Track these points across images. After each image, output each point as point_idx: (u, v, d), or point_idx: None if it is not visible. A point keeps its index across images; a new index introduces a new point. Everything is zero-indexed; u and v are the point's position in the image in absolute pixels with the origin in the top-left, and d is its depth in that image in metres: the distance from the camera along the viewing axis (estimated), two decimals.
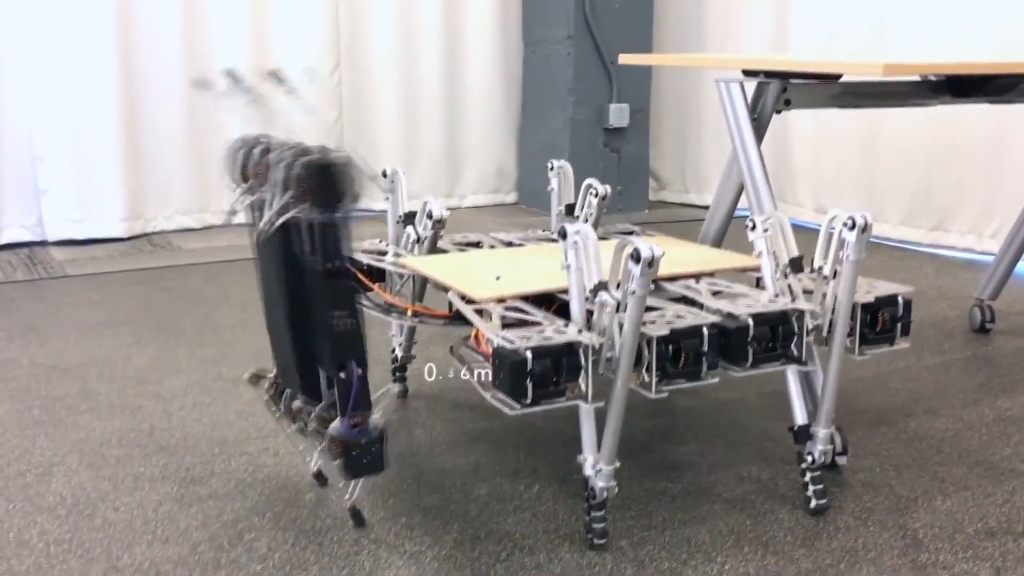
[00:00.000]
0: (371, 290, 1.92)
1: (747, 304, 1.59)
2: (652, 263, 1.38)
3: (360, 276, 1.93)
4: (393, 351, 2.19)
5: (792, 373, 1.68)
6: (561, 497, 1.71)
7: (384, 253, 2.00)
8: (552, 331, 1.46)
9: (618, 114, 4.47)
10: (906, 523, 1.61)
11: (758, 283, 1.82)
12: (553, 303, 1.65)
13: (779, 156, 4.31)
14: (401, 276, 1.91)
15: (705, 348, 1.50)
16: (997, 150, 3.50)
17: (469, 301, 1.63)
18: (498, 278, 1.72)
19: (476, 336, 1.60)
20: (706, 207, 2.33)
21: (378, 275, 1.93)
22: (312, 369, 1.60)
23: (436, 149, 4.63)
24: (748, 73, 2.03)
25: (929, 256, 3.63)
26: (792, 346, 1.59)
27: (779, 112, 2.00)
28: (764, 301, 1.62)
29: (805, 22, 4.13)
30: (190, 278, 3.31)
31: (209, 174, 4.13)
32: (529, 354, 1.39)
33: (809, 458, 1.65)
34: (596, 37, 4.39)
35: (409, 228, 2.04)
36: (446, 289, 1.73)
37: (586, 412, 1.50)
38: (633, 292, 1.38)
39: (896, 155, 3.86)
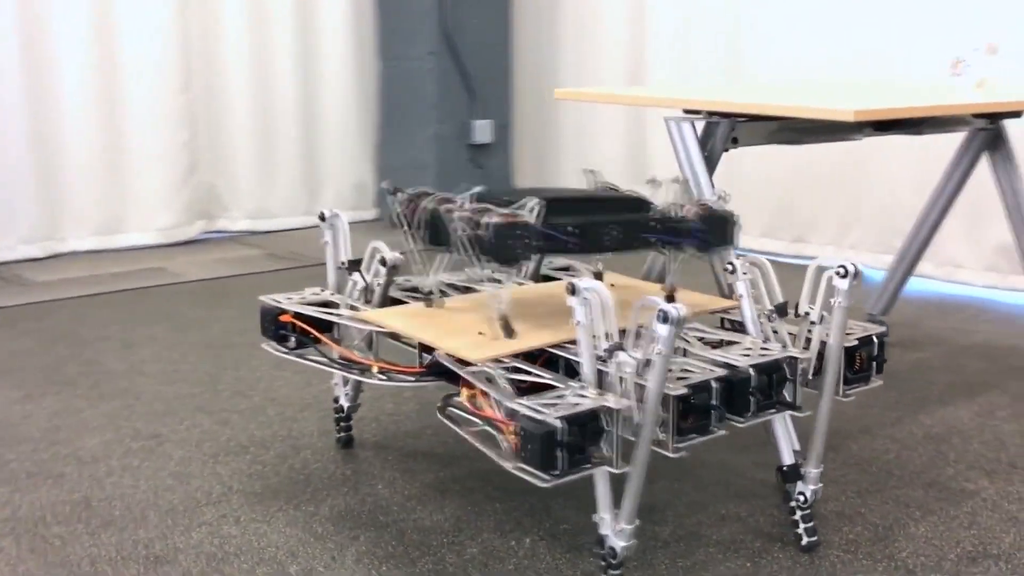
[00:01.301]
0: (320, 342, 1.83)
1: (742, 353, 1.60)
2: (680, 323, 1.37)
3: (308, 328, 1.84)
4: (336, 400, 2.09)
5: (779, 416, 1.71)
6: (558, 551, 1.67)
7: (329, 304, 1.90)
8: (572, 396, 1.42)
9: (483, 130, 4.45)
10: (893, 553, 1.67)
11: (723, 323, 1.85)
12: (541, 356, 1.62)
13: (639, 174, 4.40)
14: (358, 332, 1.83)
15: (714, 402, 1.50)
16: (856, 165, 3.70)
17: (462, 362, 1.57)
18: (481, 333, 1.66)
19: (470, 398, 1.54)
20: None
21: (322, 326, 1.84)
22: None
23: (293, 167, 4.49)
24: (690, 112, 2.05)
25: (793, 267, 3.79)
26: (784, 392, 1.61)
27: (727, 151, 2.03)
28: (756, 348, 1.63)
29: (660, 46, 4.22)
30: (57, 316, 3.07)
31: (55, 200, 3.86)
32: (560, 424, 1.34)
33: (801, 497, 1.68)
34: (459, 53, 4.35)
35: (356, 276, 1.94)
36: (425, 348, 1.66)
37: (602, 474, 1.47)
38: (659, 353, 1.37)
39: (757, 170, 4.01)
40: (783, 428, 1.70)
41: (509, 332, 1.62)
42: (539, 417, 1.35)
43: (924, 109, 1.92)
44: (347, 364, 1.76)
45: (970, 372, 2.59)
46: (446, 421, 1.56)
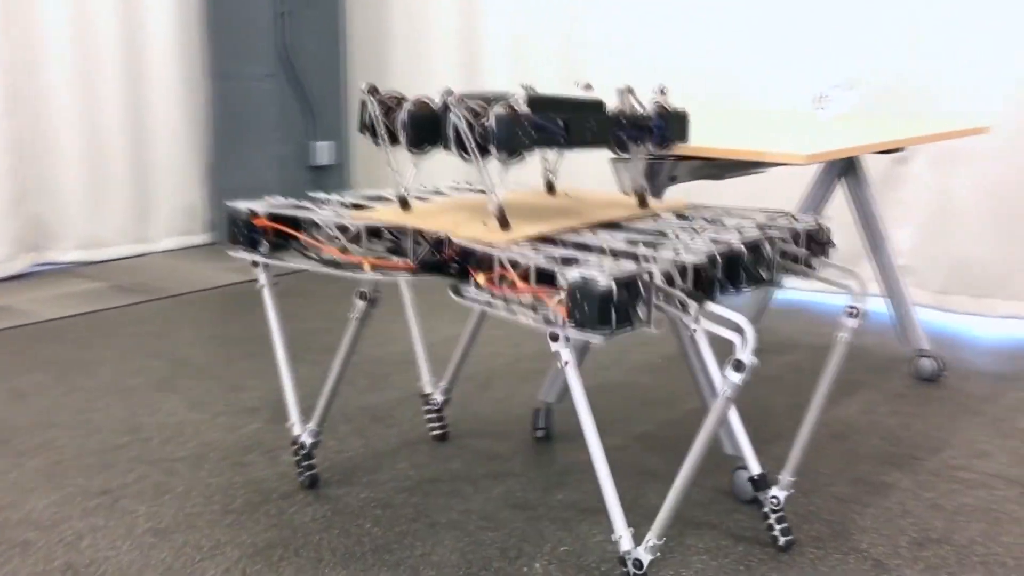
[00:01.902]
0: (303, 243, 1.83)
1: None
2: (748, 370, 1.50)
3: (288, 230, 1.84)
4: (297, 440, 2.09)
5: (737, 421, 1.90)
6: (570, 572, 1.78)
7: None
8: (608, 263, 1.50)
9: (324, 152, 4.44)
10: (855, 546, 1.88)
11: None
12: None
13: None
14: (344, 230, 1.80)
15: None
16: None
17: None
18: (484, 223, 1.70)
19: (490, 280, 1.58)
20: None
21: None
22: None
23: (123, 192, 4.32)
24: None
25: None
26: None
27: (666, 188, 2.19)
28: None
29: (495, 58, 4.36)
30: None
31: None
32: (613, 284, 1.41)
33: (775, 501, 1.87)
34: (298, 73, 4.33)
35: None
36: (438, 241, 1.67)
37: (610, 488, 1.60)
38: (727, 397, 1.51)
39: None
40: (745, 440, 1.89)
41: (505, 225, 1.66)
42: (592, 278, 1.41)
43: (857, 149, 2.15)
44: (335, 263, 1.77)
45: (841, 373, 2.88)
46: (467, 303, 1.62)
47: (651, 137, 1.79)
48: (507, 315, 1.56)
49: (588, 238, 1.66)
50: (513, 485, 2.13)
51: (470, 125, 1.60)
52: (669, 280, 1.51)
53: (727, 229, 1.73)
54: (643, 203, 1.90)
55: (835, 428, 2.46)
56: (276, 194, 4.28)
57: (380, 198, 1.98)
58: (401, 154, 1.77)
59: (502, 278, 1.57)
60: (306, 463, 2.12)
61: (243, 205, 1.88)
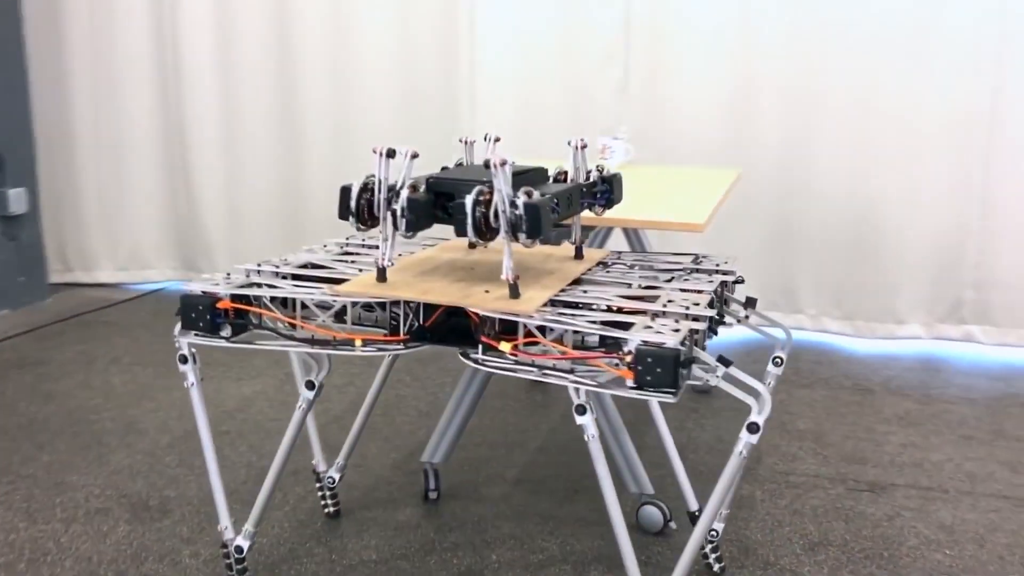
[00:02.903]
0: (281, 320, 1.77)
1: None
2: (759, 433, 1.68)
3: (258, 310, 1.77)
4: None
5: (679, 467, 2.11)
6: None
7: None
8: (654, 325, 1.60)
9: (17, 200, 4.02)
10: (767, 559, 2.17)
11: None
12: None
13: (191, 224, 4.36)
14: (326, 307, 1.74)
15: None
16: None
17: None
18: (487, 291, 1.72)
19: (516, 346, 1.62)
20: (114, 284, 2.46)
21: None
22: None
23: None
24: None
25: None
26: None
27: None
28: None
29: (193, 77, 4.21)
30: None
31: None
32: (682, 346, 1.51)
33: (714, 533, 2.10)
34: None
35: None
36: (450, 310, 1.68)
37: (626, 544, 1.74)
38: (741, 453, 1.69)
39: (320, 217, 4.23)
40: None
41: (515, 293, 1.69)
42: (659, 342, 1.50)
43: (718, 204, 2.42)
44: (326, 342, 1.73)
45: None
46: (487, 369, 1.64)
47: (601, 200, 1.93)
48: (540, 379, 1.63)
49: (589, 296, 1.75)
50: (445, 554, 2.17)
51: (493, 213, 1.64)
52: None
53: (686, 276, 1.92)
54: (579, 254, 2.03)
55: (718, 446, 2.75)
56: None
57: (313, 265, 1.93)
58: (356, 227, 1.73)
59: (528, 344, 1.63)
60: (239, 567, 2.02)
61: (197, 288, 1.77)
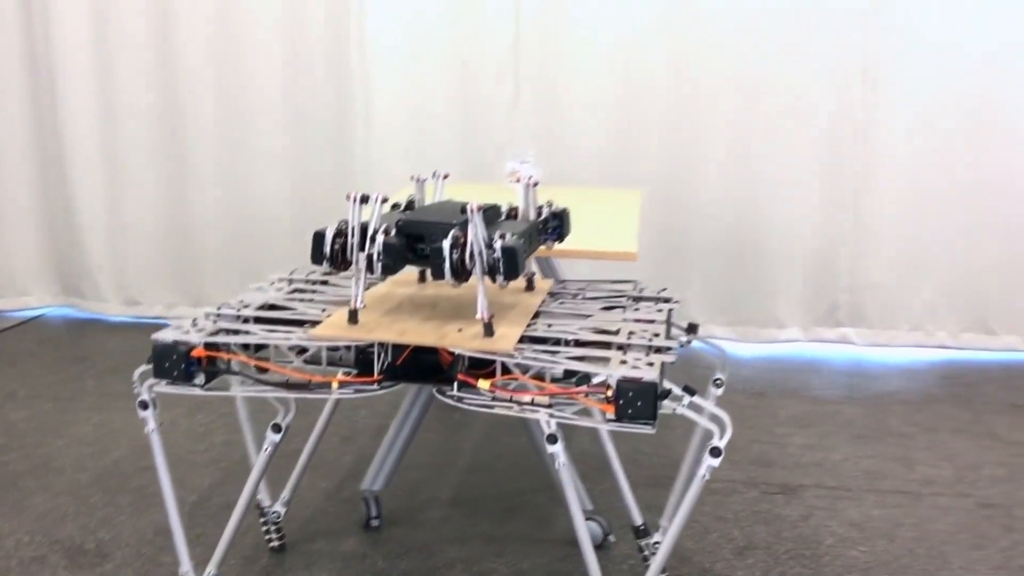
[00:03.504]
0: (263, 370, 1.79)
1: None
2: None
3: (238, 356, 1.78)
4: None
5: (623, 482, 2.21)
6: None
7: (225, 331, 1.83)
8: (628, 360, 1.69)
9: None
10: (702, 566, 2.30)
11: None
12: None
13: (71, 246, 4.23)
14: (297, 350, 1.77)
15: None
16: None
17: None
18: (460, 329, 1.77)
19: (494, 386, 1.68)
20: None
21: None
22: None
23: None
24: None
25: None
26: None
27: None
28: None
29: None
30: None
31: None
32: (656, 378, 1.59)
33: (657, 547, 2.22)
34: None
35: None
36: (431, 351, 1.72)
37: (589, 551, 1.83)
38: (703, 477, 1.79)
39: (210, 238, 4.17)
40: (629, 495, 2.22)
41: (490, 331, 1.74)
42: (638, 376, 1.58)
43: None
44: (302, 386, 1.75)
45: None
46: (463, 406, 1.70)
47: (552, 235, 2.02)
48: (518, 415, 1.70)
49: (555, 331, 1.82)
50: None
51: (468, 255, 1.71)
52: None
53: (636, 306, 2.02)
54: (530, 285, 2.10)
55: (597, 463, 2.86)
56: None
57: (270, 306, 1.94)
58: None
59: (506, 382, 1.70)
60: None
61: (170, 336, 1.77)
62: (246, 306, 1.97)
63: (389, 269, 1.76)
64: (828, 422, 3.20)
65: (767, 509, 2.58)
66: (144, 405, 1.84)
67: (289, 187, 4.07)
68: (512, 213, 2.00)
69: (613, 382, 1.61)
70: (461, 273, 1.73)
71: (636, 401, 1.60)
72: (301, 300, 2.01)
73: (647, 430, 1.61)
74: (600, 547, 2.37)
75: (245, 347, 1.82)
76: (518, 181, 3.08)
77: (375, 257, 1.75)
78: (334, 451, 2.92)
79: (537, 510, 2.56)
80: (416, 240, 1.79)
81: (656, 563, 1.77)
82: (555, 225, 2.02)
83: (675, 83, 3.81)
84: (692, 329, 2.10)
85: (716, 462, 1.76)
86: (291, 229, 4.08)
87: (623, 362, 1.68)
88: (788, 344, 3.98)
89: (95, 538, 2.38)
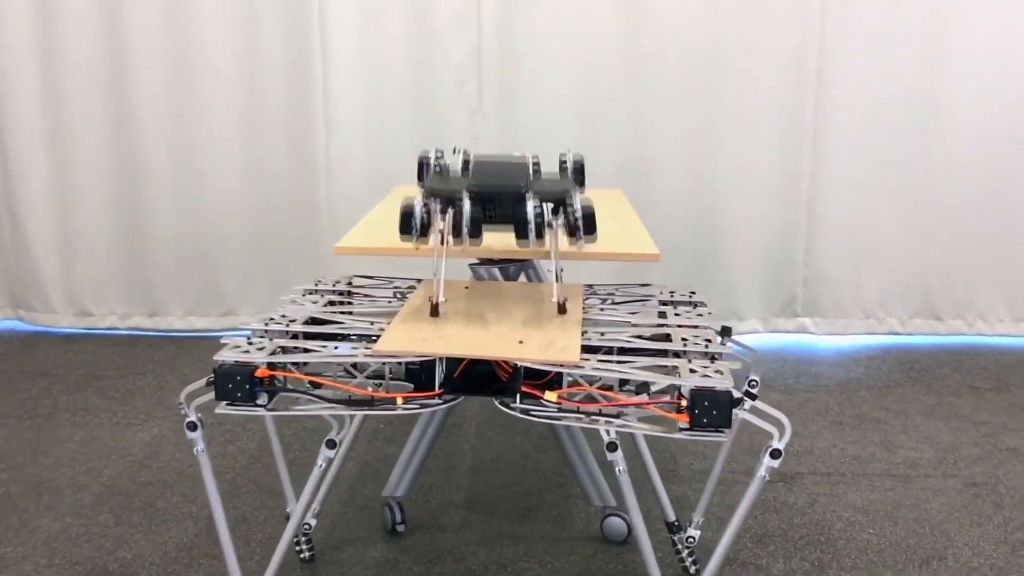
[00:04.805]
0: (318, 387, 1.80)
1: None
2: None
3: (301, 375, 1.78)
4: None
5: (658, 482, 2.27)
6: None
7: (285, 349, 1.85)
8: (696, 368, 1.75)
9: None
10: (735, 556, 2.38)
11: None
12: None
13: (16, 257, 4.10)
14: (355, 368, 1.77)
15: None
16: (268, 239, 4.08)
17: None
18: (521, 342, 1.79)
19: (562, 396, 1.72)
20: None
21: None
22: None
23: None
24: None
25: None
26: None
27: None
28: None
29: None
30: None
31: None
32: (732, 387, 1.65)
33: (691, 540, 2.28)
34: None
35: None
36: (483, 362, 1.74)
37: (650, 555, 1.90)
38: (764, 477, 1.85)
39: (165, 246, 4.09)
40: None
41: (563, 310, 1.87)
42: (713, 386, 1.64)
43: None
44: (365, 402, 1.76)
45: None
46: (530, 419, 1.73)
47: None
48: (588, 426, 1.74)
49: (607, 340, 1.87)
50: None
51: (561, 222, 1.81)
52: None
53: (676, 311, 2.08)
54: (563, 309, 2.14)
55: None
56: None
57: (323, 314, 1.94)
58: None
59: (571, 393, 1.74)
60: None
61: (230, 358, 1.75)
62: (292, 321, 1.96)
63: (476, 235, 1.80)
64: (804, 410, 3.32)
65: (773, 498, 2.67)
66: (193, 426, 1.82)
67: (247, 194, 4.01)
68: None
69: (686, 391, 1.66)
70: (542, 235, 1.82)
71: (712, 410, 1.65)
72: (342, 312, 2.01)
73: (721, 438, 1.67)
74: (624, 543, 2.42)
75: (299, 364, 1.81)
76: None
77: (464, 224, 1.80)
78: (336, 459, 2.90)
79: (553, 509, 2.60)
80: (485, 204, 1.85)
81: (716, 556, 1.83)
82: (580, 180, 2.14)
83: (632, 84, 3.88)
84: (726, 332, 2.16)
85: (776, 463, 1.82)
86: (249, 236, 4.03)
87: (692, 371, 1.73)
88: (748, 336, 4.10)
89: (116, 558, 2.33)
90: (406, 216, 1.84)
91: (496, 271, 2.34)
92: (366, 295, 2.16)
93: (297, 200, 4.01)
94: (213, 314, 4.13)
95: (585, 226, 1.81)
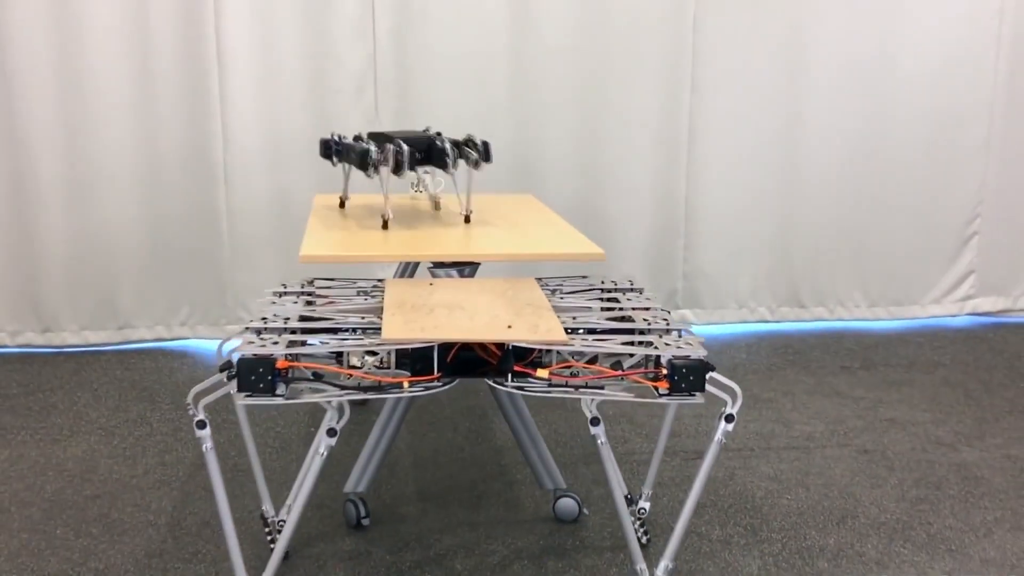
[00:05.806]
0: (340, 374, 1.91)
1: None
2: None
3: (312, 365, 1.90)
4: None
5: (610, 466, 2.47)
6: None
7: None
8: (670, 342, 1.98)
9: None
10: (707, 534, 2.60)
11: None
12: None
13: None
14: (368, 355, 1.91)
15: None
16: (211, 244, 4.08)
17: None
18: (509, 326, 1.95)
19: (553, 373, 1.91)
20: None
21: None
22: None
23: None
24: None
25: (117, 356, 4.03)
26: None
27: None
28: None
29: None
30: None
31: None
32: (705, 355, 1.89)
33: (642, 512, 2.49)
34: None
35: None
36: (492, 346, 1.91)
37: (629, 523, 2.10)
38: (719, 441, 2.07)
39: (57, 262, 4.02)
40: (613, 470, 2.48)
41: (467, 220, 2.33)
42: (690, 355, 1.88)
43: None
44: (373, 388, 1.89)
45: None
46: (525, 393, 1.90)
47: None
48: (575, 397, 1.93)
49: (579, 323, 2.06)
50: (416, 571, 2.37)
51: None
52: None
53: (627, 296, 2.29)
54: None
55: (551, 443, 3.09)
56: None
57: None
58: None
59: (561, 370, 1.93)
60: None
61: (250, 351, 1.84)
62: (287, 319, 2.06)
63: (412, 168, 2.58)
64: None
65: (695, 473, 2.92)
66: (202, 424, 1.91)
67: (142, 207, 3.99)
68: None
69: (665, 361, 1.88)
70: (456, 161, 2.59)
71: (689, 376, 1.89)
72: (327, 311, 2.11)
73: (698, 400, 1.89)
74: (575, 521, 2.61)
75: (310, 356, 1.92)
76: (421, 190, 3.27)
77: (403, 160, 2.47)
78: (278, 460, 2.98)
79: (502, 495, 2.77)
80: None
81: (681, 522, 2.04)
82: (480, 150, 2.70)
83: (522, 94, 4.09)
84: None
85: (730, 427, 2.05)
86: (145, 251, 4.02)
87: (667, 344, 1.95)
88: None
89: (89, 569, 2.36)
90: (363, 155, 2.53)
91: (454, 272, 2.49)
92: (332, 295, 2.27)
93: (195, 212, 4.02)
94: (109, 328, 4.08)
95: (484, 153, 2.66)
